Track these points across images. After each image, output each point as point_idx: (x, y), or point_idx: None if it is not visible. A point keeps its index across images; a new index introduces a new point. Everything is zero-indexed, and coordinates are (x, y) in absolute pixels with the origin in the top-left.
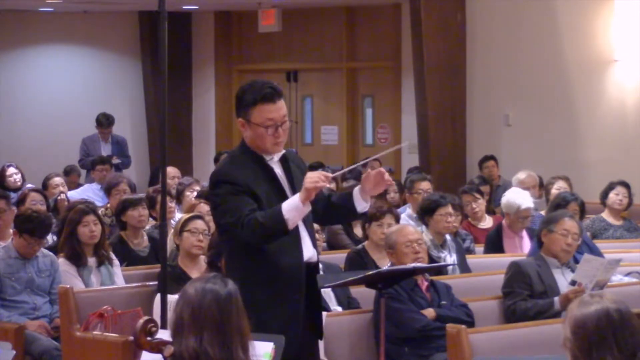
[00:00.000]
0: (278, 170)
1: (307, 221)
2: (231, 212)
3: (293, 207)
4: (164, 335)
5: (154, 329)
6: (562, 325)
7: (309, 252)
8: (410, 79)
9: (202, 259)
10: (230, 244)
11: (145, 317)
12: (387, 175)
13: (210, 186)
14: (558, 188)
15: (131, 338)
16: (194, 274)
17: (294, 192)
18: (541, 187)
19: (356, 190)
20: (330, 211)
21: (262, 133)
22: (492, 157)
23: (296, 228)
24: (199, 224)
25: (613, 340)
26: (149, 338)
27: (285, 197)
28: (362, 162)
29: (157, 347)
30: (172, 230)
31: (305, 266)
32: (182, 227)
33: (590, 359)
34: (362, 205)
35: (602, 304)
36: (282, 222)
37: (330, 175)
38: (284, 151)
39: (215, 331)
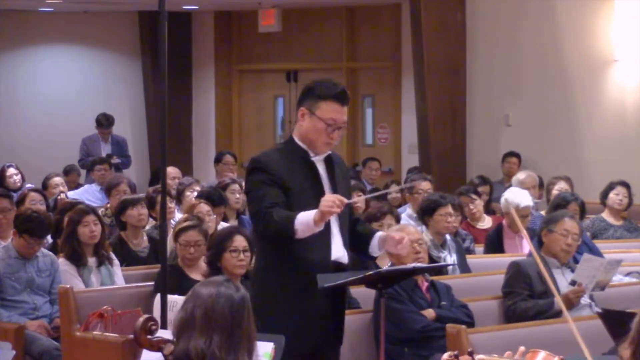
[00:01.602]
0: (321, 168)
1: (342, 222)
2: (256, 201)
3: (305, 221)
4: (163, 334)
5: (154, 327)
6: None
7: (338, 251)
8: (410, 79)
9: (202, 259)
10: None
11: (146, 316)
12: (408, 249)
13: (247, 171)
14: (559, 189)
15: (131, 336)
16: (194, 274)
17: (334, 192)
18: (541, 188)
19: (377, 235)
20: (350, 236)
21: (321, 128)
22: (516, 155)
23: (328, 226)
24: (190, 235)
25: None
26: (149, 336)
27: (322, 195)
28: (384, 192)
29: (157, 345)
30: (172, 230)
31: (334, 265)
32: (176, 235)
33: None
34: (376, 251)
35: None
36: (292, 229)
37: (346, 201)
38: (329, 152)
39: (225, 335)
